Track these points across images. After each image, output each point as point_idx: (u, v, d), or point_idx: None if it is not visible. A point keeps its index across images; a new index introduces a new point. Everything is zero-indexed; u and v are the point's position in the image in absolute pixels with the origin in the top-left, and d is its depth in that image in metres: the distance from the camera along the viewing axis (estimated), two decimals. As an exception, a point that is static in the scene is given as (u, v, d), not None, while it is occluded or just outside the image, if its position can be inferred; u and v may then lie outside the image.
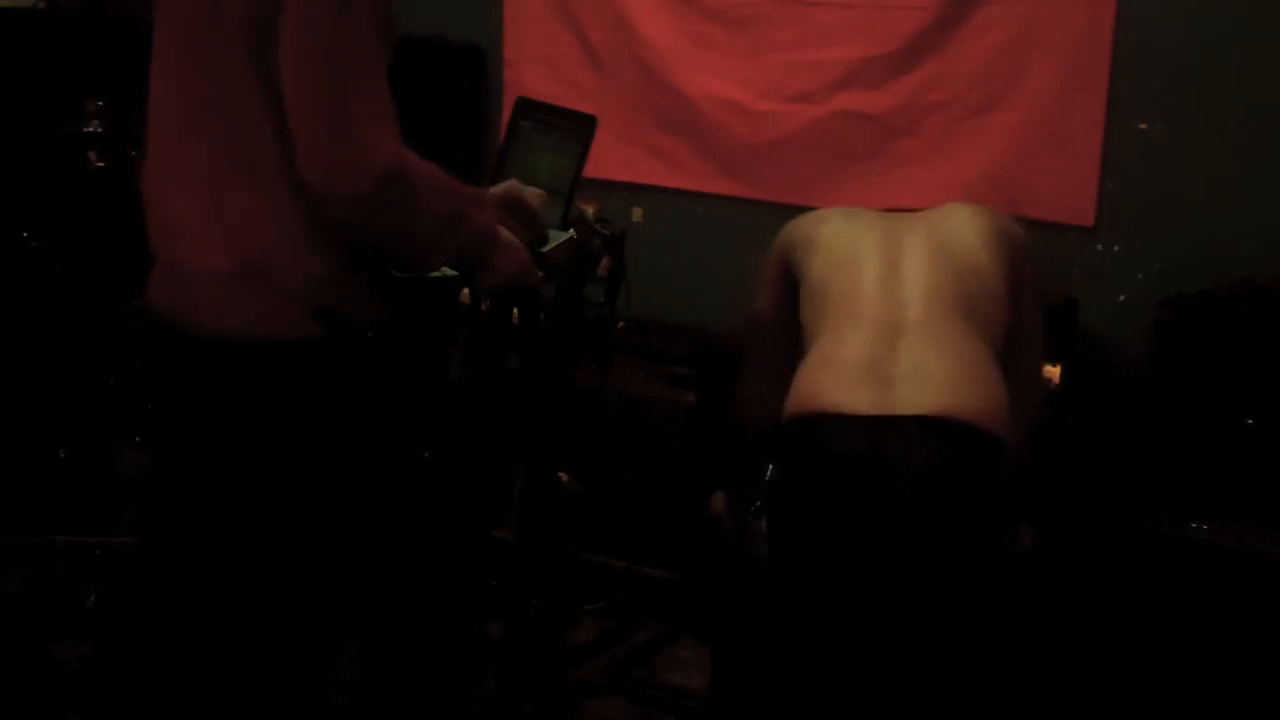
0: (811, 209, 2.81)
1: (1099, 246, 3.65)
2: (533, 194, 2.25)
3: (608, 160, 3.92)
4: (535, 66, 4.33)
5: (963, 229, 2.60)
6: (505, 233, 2.12)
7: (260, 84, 1.86)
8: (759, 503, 2.80)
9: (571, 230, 2.39)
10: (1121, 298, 3.63)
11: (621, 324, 2.63)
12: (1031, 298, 2.64)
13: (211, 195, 1.92)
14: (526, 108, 2.54)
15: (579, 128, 2.46)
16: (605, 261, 2.54)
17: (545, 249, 2.33)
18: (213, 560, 2.00)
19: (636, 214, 4.23)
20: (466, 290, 2.32)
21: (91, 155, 3.72)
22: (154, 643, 2.15)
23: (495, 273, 2.10)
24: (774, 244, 2.76)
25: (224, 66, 1.88)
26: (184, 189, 1.95)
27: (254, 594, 1.98)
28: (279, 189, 1.88)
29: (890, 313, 2.49)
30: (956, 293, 2.51)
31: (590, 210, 2.65)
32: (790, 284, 2.69)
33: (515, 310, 2.44)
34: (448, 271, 2.31)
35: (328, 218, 1.87)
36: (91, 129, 3.73)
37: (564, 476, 2.65)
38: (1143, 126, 3.59)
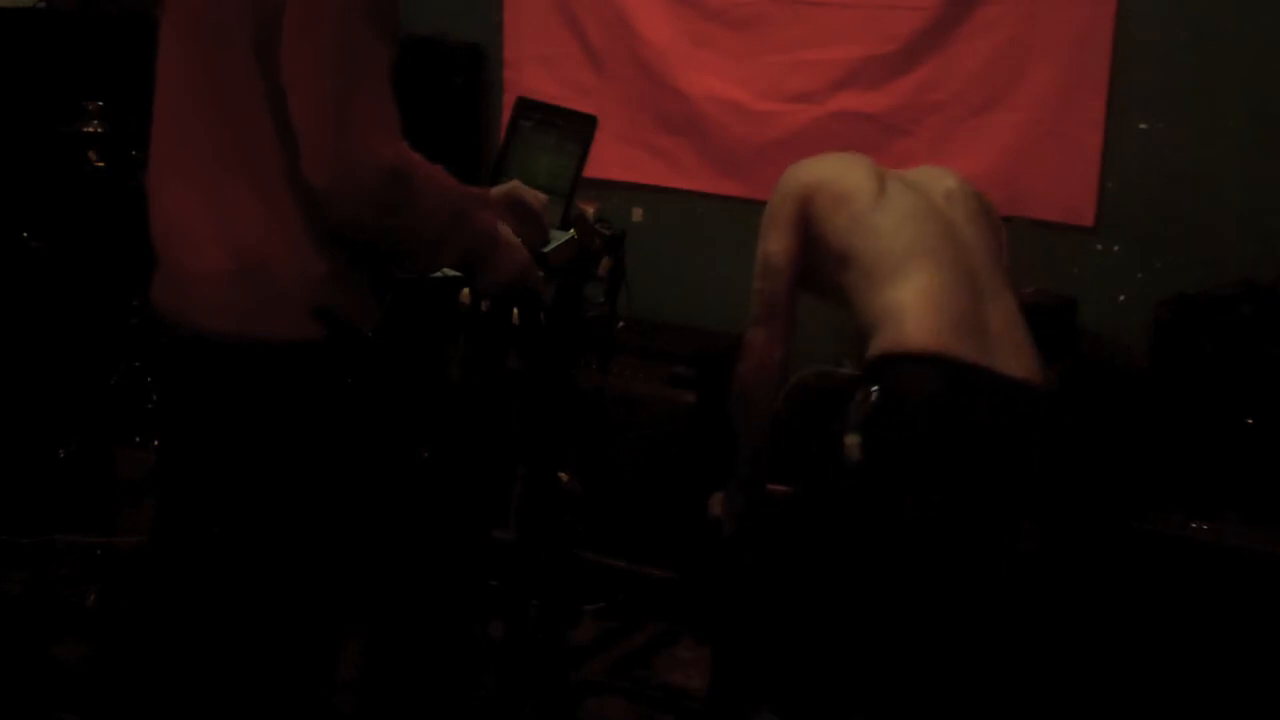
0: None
1: (1099, 246, 3.65)
2: (534, 196, 2.25)
3: (608, 160, 3.92)
4: (535, 66, 4.33)
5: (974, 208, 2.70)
6: (506, 232, 2.11)
7: (265, 83, 1.86)
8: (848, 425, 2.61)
9: (572, 230, 2.39)
10: (1121, 298, 3.63)
11: (621, 324, 2.63)
12: None
13: (212, 192, 1.91)
14: (526, 108, 2.54)
15: (579, 128, 2.47)
16: (605, 261, 2.54)
17: (546, 249, 2.33)
18: (213, 560, 2.00)
19: (636, 214, 4.23)
20: (466, 290, 2.32)
21: (91, 155, 3.71)
22: (154, 642, 2.15)
23: (496, 273, 2.09)
24: (787, 186, 2.71)
25: (227, 63, 1.88)
26: (185, 185, 1.95)
27: (254, 593, 1.97)
28: (279, 187, 1.87)
29: (962, 259, 2.55)
30: (999, 259, 2.64)
31: (590, 210, 2.65)
32: (806, 227, 2.66)
33: (515, 310, 2.44)
34: (448, 271, 2.31)
35: (332, 219, 1.87)
36: (91, 129, 3.72)
37: (564, 476, 2.65)
38: (1143, 126, 3.59)
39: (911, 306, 2.46)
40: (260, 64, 1.85)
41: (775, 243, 2.70)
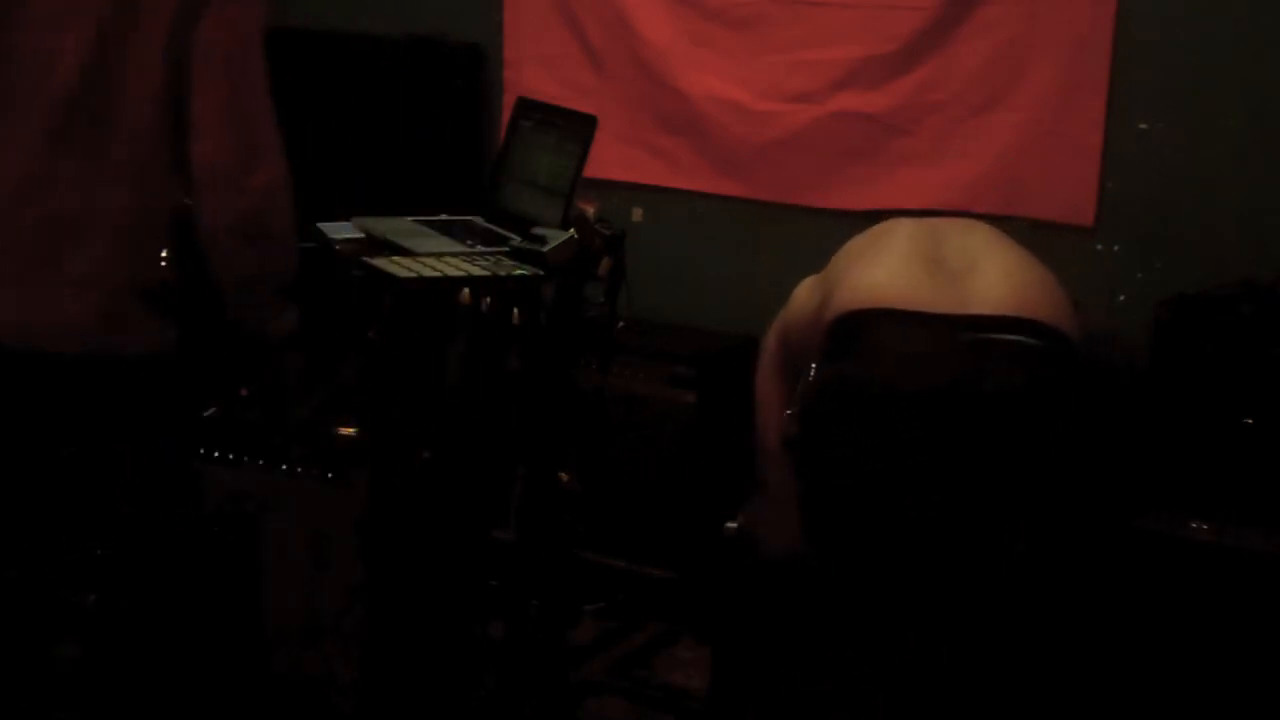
0: (810, 209, 2.78)
1: (1099, 246, 3.65)
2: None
3: (608, 160, 3.92)
4: (535, 66, 4.33)
5: None
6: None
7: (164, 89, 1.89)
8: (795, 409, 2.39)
9: (572, 230, 2.40)
10: (1121, 298, 3.63)
11: (621, 324, 2.63)
12: None
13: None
14: (526, 108, 2.55)
15: (579, 128, 2.48)
16: (605, 261, 2.55)
17: (545, 249, 2.34)
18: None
19: (636, 214, 4.23)
20: (467, 290, 2.33)
21: (91, 155, 3.71)
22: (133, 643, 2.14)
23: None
24: (772, 333, 2.61)
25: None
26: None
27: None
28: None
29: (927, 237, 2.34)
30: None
31: (590, 210, 2.65)
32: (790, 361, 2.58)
33: (515, 310, 2.45)
34: (451, 273, 2.31)
35: (205, 228, 1.95)
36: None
37: (564, 476, 2.65)
38: (1143, 126, 3.59)
39: (866, 271, 2.23)
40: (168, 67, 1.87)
41: (762, 386, 2.65)
